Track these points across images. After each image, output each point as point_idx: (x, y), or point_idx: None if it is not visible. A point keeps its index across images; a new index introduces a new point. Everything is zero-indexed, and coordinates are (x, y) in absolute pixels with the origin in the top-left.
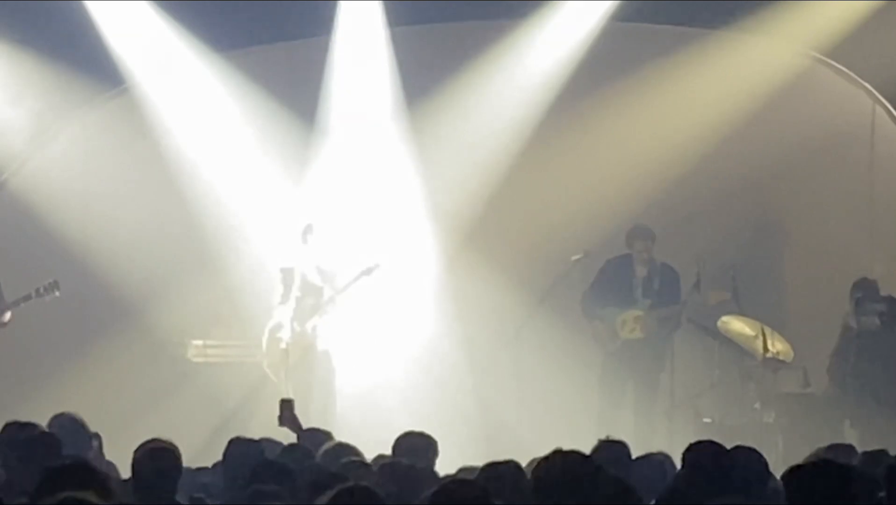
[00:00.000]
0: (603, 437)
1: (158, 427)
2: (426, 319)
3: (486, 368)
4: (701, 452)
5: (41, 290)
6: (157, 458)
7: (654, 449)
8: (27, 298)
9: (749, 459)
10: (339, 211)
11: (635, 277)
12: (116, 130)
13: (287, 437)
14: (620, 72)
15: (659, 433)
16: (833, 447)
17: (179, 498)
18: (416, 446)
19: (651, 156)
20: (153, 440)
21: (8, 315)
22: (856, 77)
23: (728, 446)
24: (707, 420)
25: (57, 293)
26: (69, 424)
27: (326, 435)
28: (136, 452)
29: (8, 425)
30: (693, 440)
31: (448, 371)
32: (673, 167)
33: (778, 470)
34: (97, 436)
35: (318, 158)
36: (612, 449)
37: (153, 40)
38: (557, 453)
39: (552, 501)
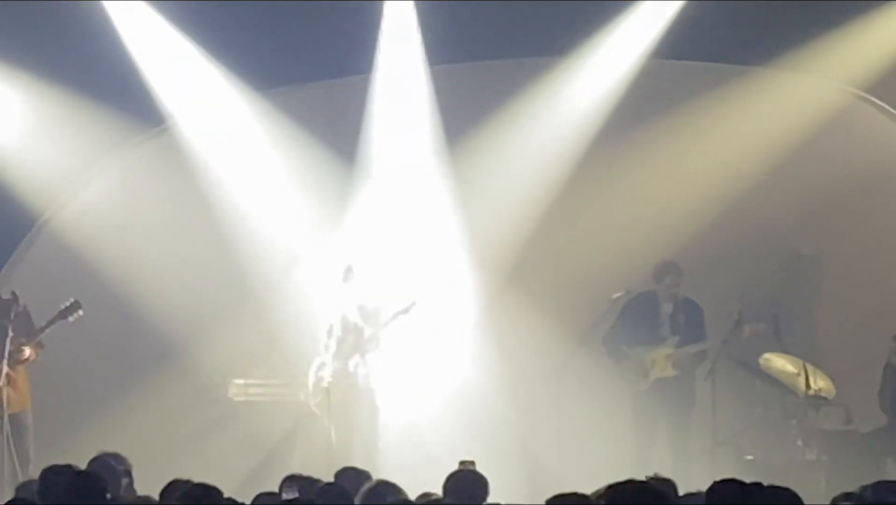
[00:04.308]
0: (641, 475)
1: (200, 466)
2: (467, 357)
3: (526, 406)
4: (724, 493)
5: (64, 311)
6: (195, 496)
7: (693, 484)
8: (51, 322)
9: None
10: (379, 250)
11: (660, 314)
12: (158, 170)
13: (327, 474)
14: (660, 109)
15: (700, 471)
16: (881, 484)
17: None
18: (467, 484)
19: (691, 193)
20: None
21: (27, 351)
22: None
23: (770, 484)
24: (749, 458)
25: (80, 312)
26: (103, 465)
27: (365, 475)
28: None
29: (49, 469)
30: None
31: (489, 409)
32: (713, 204)
33: None
34: (127, 473)
35: (358, 197)
36: (659, 486)
37: (194, 80)
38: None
39: None
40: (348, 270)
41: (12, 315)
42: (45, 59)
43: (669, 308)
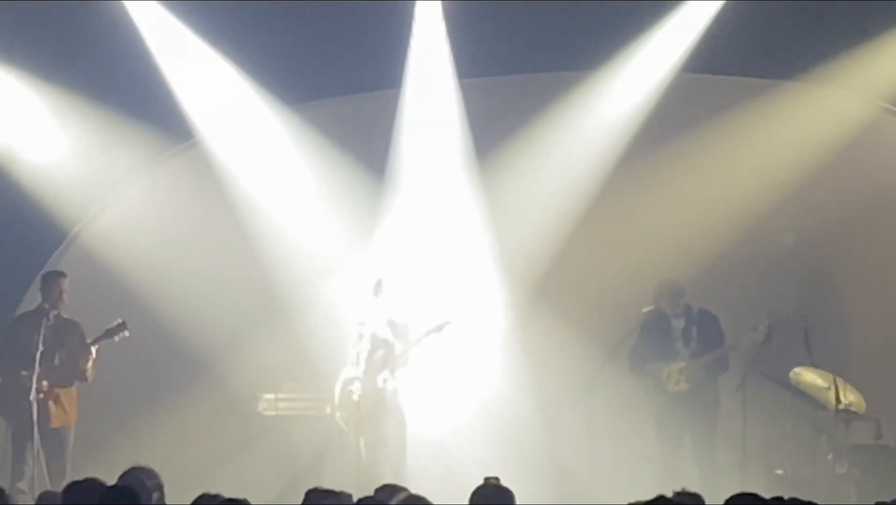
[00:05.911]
0: (668, 490)
1: (230, 480)
2: (496, 371)
3: (556, 421)
4: None
5: (111, 330)
6: None
7: (722, 499)
8: (97, 340)
9: None
10: (409, 264)
11: (672, 329)
12: (187, 184)
13: (357, 489)
14: (690, 123)
15: (730, 485)
16: None
17: None
18: (493, 498)
19: (720, 207)
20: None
21: (90, 366)
22: None
23: (801, 498)
24: (779, 472)
25: (126, 333)
26: (134, 479)
27: (401, 490)
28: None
29: (73, 484)
30: (765, 492)
31: (517, 423)
32: (742, 218)
33: None
34: (158, 488)
35: (388, 212)
36: (686, 501)
37: (223, 94)
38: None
39: None
40: (378, 284)
41: (42, 329)
42: (77, 74)
43: (681, 322)
